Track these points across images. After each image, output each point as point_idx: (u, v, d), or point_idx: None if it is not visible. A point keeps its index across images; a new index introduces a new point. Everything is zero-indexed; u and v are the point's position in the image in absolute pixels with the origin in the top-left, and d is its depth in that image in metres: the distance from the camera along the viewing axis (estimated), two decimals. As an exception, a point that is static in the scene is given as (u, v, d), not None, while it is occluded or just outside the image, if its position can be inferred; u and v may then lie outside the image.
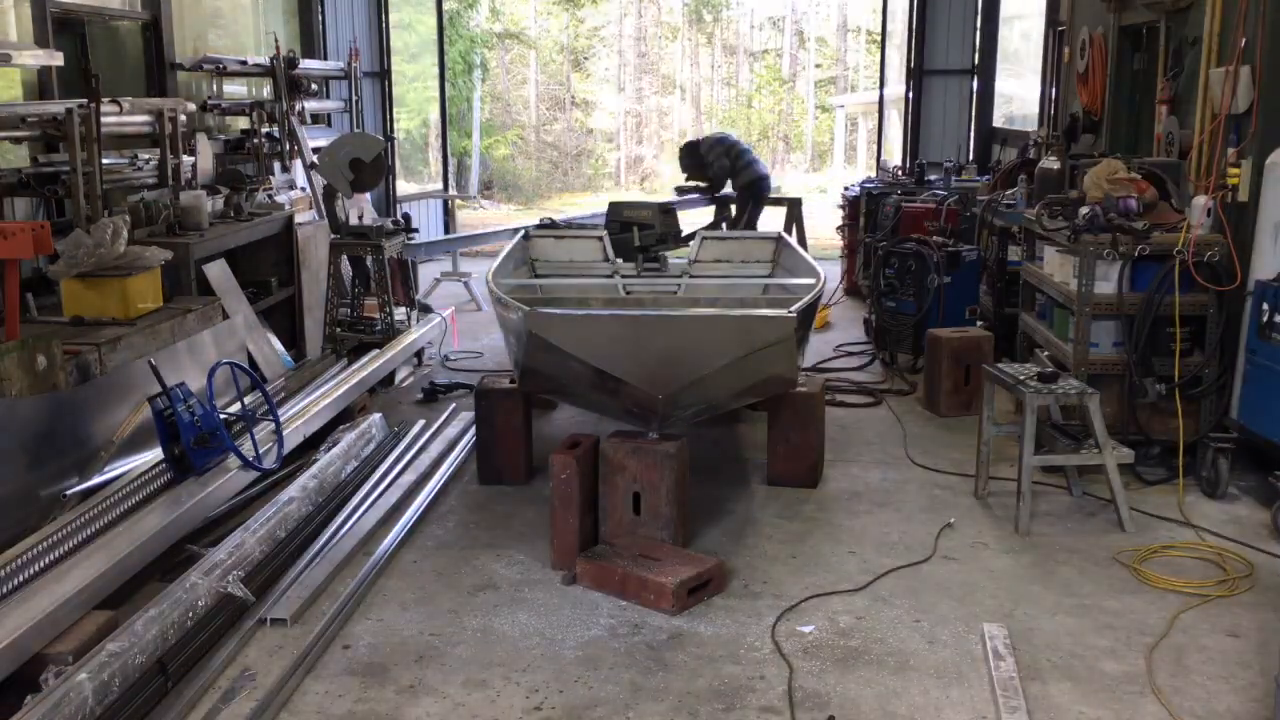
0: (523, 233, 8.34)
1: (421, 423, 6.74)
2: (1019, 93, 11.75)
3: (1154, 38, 7.41)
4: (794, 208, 11.21)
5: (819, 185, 27.12)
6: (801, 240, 10.19)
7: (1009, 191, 8.35)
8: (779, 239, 8.47)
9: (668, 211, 8.69)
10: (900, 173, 12.05)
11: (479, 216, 22.19)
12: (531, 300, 5.89)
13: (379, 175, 8.53)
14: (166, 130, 7.27)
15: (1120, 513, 5.22)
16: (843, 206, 11.76)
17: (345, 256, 8.51)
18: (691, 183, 11.45)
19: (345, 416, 6.58)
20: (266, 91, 9.76)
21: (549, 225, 9.21)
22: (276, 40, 9.65)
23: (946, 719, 3.69)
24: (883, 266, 8.25)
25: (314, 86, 10.20)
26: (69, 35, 7.26)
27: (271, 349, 7.04)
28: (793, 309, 5.01)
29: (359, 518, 5.30)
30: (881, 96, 14.27)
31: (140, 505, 4.69)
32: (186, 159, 7.68)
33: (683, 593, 4.39)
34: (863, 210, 10.49)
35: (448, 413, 7.00)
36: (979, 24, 12.25)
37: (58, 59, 6.48)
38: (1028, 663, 4.00)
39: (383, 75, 12.69)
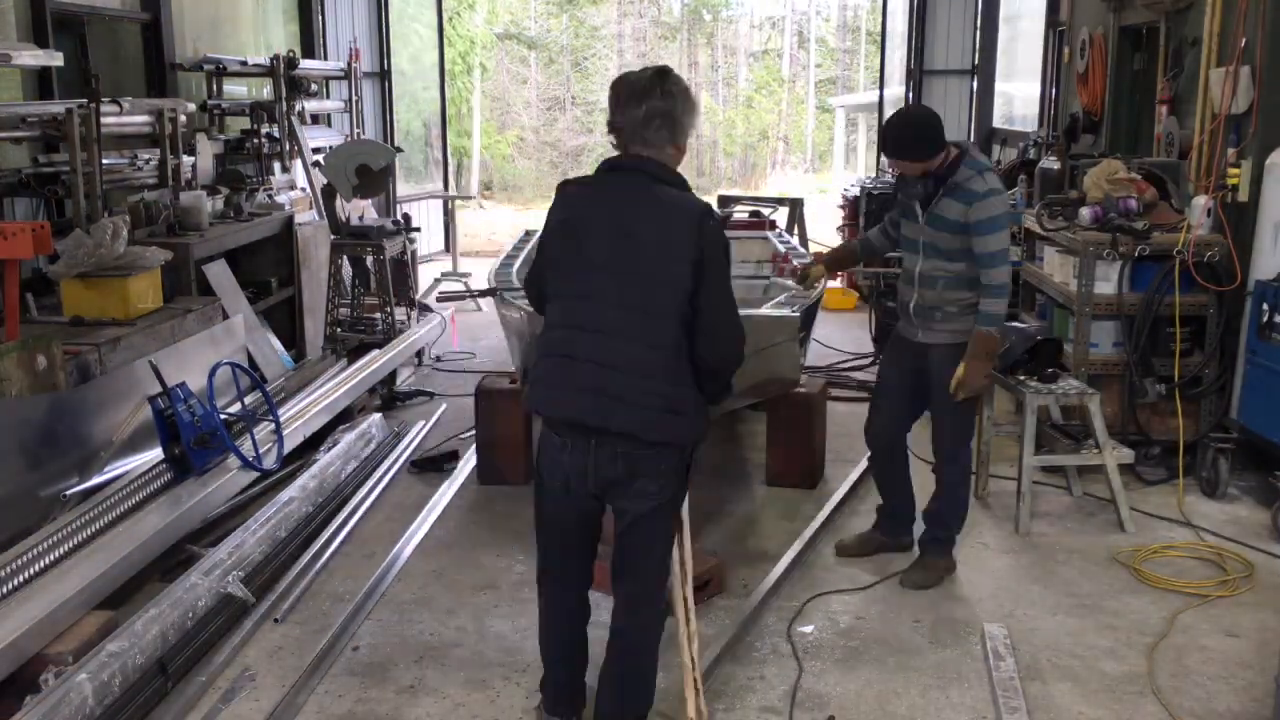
0: (524, 233, 8.33)
1: (421, 423, 6.73)
2: (1019, 93, 11.73)
3: (1154, 38, 7.40)
4: (795, 208, 11.18)
5: (819, 186, 27.12)
6: (803, 240, 10.19)
7: (1009, 191, 8.34)
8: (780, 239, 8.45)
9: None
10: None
11: (479, 216, 22.18)
12: None
13: (382, 186, 8.52)
14: (166, 130, 7.27)
15: (1120, 513, 5.22)
16: (843, 207, 11.77)
17: (345, 256, 8.51)
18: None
19: (345, 416, 6.58)
20: (266, 92, 9.75)
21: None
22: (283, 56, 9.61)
23: (946, 719, 3.69)
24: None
25: (314, 87, 10.18)
26: (69, 35, 7.24)
27: (271, 349, 7.04)
28: (795, 308, 5.01)
29: (360, 518, 5.31)
30: (881, 97, 14.23)
31: (140, 505, 4.69)
32: (186, 159, 7.67)
33: (683, 593, 4.37)
34: (862, 210, 10.50)
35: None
36: (979, 24, 12.24)
37: (58, 59, 6.46)
38: (1028, 663, 4.00)
39: (383, 75, 12.67)
